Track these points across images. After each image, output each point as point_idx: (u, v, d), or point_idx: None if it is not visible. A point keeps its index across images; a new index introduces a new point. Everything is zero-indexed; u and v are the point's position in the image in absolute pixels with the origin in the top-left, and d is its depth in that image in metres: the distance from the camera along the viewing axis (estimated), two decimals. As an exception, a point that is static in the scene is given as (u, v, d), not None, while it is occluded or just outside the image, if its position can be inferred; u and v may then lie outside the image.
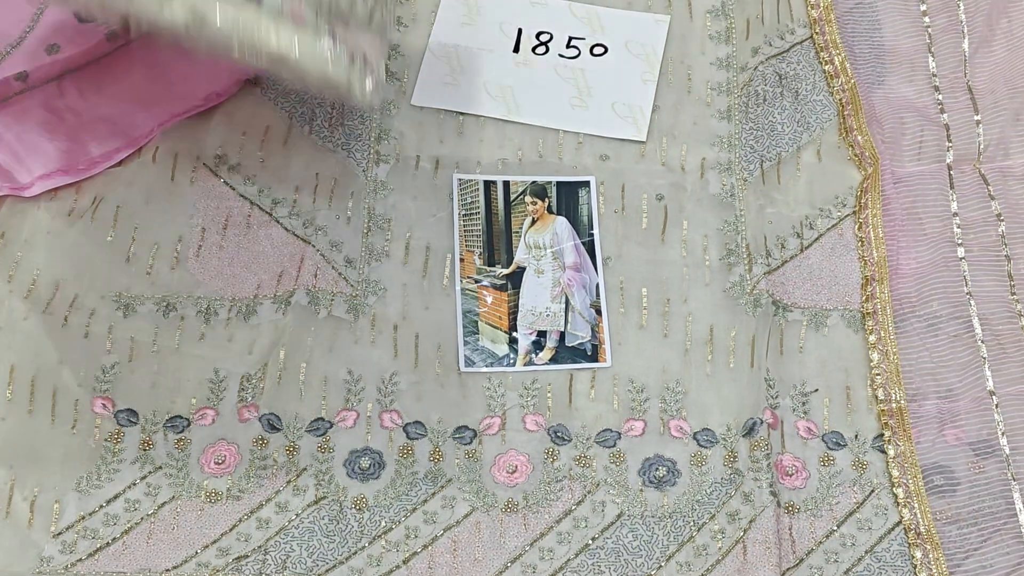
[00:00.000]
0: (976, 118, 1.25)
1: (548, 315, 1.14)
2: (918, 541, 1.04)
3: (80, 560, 1.02)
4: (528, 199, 1.21)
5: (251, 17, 1.04)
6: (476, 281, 1.16)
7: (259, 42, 1.05)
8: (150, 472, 1.07)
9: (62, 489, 1.06)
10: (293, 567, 1.02)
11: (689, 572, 1.03)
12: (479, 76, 1.29)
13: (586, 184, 1.21)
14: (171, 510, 1.05)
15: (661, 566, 1.03)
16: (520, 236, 1.19)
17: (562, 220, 1.19)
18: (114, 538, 1.03)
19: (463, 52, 1.31)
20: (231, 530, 1.04)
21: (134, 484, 1.06)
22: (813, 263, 1.19)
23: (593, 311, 1.15)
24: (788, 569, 1.03)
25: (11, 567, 1.02)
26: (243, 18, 1.04)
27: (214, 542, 1.04)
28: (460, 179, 1.22)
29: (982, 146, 1.24)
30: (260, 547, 1.03)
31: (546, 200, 1.21)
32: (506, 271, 1.17)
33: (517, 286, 1.16)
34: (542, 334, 1.14)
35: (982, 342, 1.14)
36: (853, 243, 1.19)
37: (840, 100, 1.27)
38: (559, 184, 1.21)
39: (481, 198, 1.21)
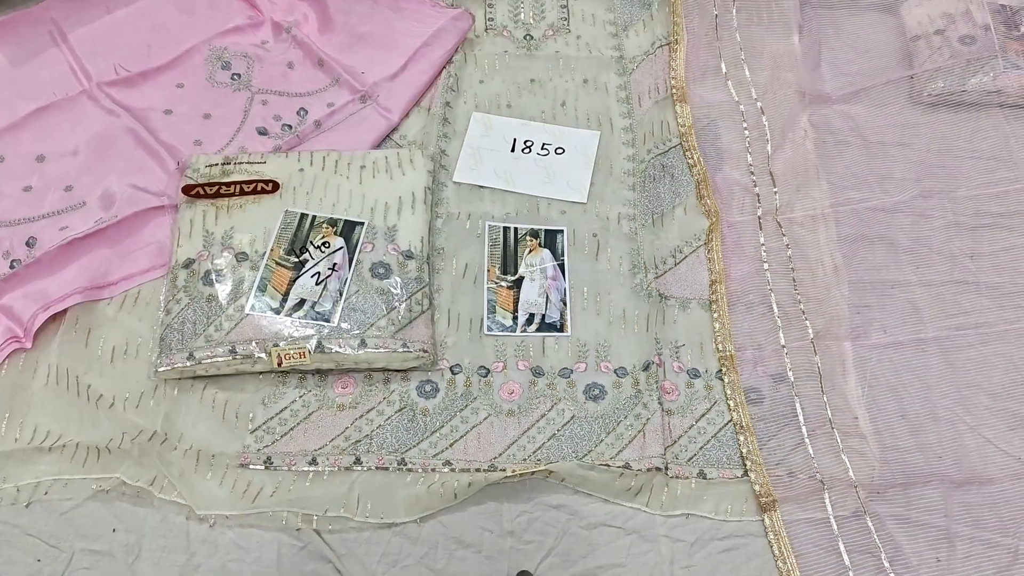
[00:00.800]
0: (775, 190, 1.24)
1: (536, 304, 1.13)
2: (741, 431, 1.04)
3: (266, 446, 1.02)
4: (528, 238, 1.19)
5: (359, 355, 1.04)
6: (496, 283, 1.15)
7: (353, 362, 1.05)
8: (304, 393, 1.06)
9: (254, 404, 1.05)
10: (387, 447, 1.02)
11: (612, 448, 1.02)
12: (492, 164, 1.27)
13: (561, 231, 1.20)
14: (317, 415, 1.04)
15: (597, 446, 1.03)
16: (522, 259, 1.17)
17: (546, 251, 1.18)
18: (284, 433, 1.03)
19: (483, 151, 1.29)
20: (351, 425, 1.04)
21: (295, 400, 1.05)
22: (682, 272, 1.17)
23: (562, 303, 1.14)
24: (668, 446, 1.03)
25: (226, 449, 1.01)
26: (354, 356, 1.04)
27: (341, 433, 1.03)
28: (490, 225, 1.20)
29: (778, 206, 1.23)
30: (367, 436, 1.03)
31: (538, 239, 1.19)
32: (513, 278, 1.15)
33: (519, 287, 1.14)
34: (532, 315, 1.12)
35: (777, 317, 1.14)
36: (704, 261, 1.18)
37: (697, 180, 1.26)
38: (545, 231, 1.20)
39: (501, 236, 1.19)
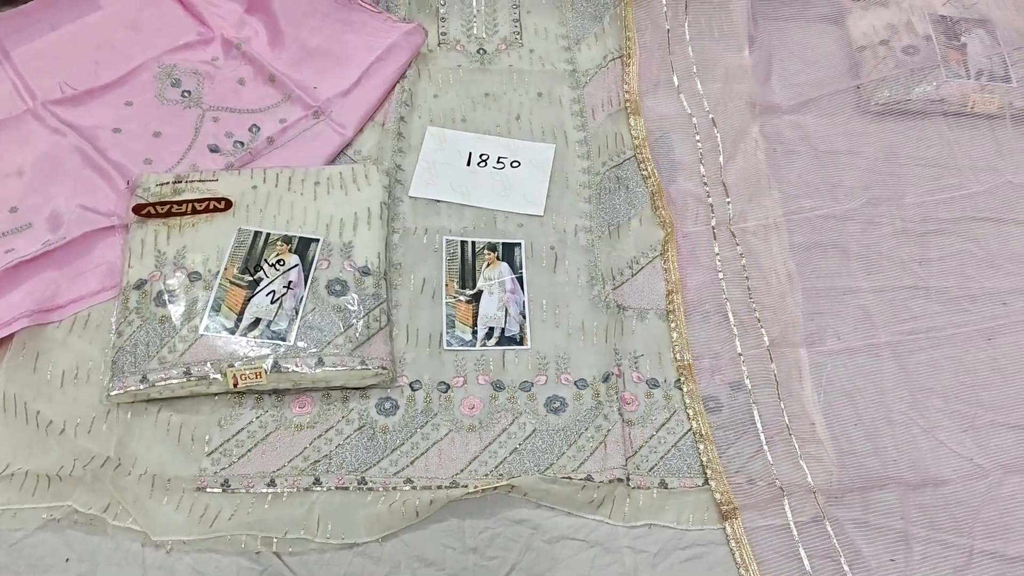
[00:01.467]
0: (727, 200, 1.26)
1: (495, 318, 1.13)
2: (701, 439, 1.05)
3: (223, 468, 1.00)
4: (486, 251, 1.19)
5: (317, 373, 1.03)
6: (455, 297, 1.14)
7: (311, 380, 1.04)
8: (261, 414, 1.04)
9: (209, 426, 1.03)
10: (346, 467, 1.01)
11: (574, 461, 1.02)
12: (447, 178, 1.27)
13: (519, 244, 1.20)
14: (275, 436, 1.03)
15: (559, 459, 1.03)
16: (480, 272, 1.17)
17: (504, 264, 1.18)
18: (241, 455, 1.01)
19: (439, 164, 1.29)
20: (309, 445, 1.02)
21: (251, 421, 1.04)
22: (639, 283, 1.18)
23: (521, 316, 1.14)
24: (629, 457, 1.03)
25: (182, 473, 0.99)
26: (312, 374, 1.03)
27: (299, 453, 1.02)
28: (447, 239, 1.20)
29: (731, 215, 1.24)
30: (327, 455, 1.02)
31: (496, 252, 1.19)
32: (472, 292, 1.15)
33: (478, 301, 1.14)
34: (491, 329, 1.12)
35: (733, 326, 1.15)
36: (661, 272, 1.19)
37: (651, 191, 1.27)
38: (503, 244, 1.20)
39: (458, 250, 1.19)
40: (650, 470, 1.02)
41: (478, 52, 1.44)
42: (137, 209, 1.12)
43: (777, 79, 1.41)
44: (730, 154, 1.30)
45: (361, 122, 1.31)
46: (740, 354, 1.12)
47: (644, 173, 1.28)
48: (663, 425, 1.06)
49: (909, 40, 1.40)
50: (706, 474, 1.02)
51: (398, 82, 1.37)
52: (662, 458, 1.03)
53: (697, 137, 1.33)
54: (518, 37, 1.46)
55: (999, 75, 1.36)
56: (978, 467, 1.03)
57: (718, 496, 1.00)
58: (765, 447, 1.04)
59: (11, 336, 1.06)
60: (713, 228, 1.23)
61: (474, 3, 1.48)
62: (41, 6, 1.36)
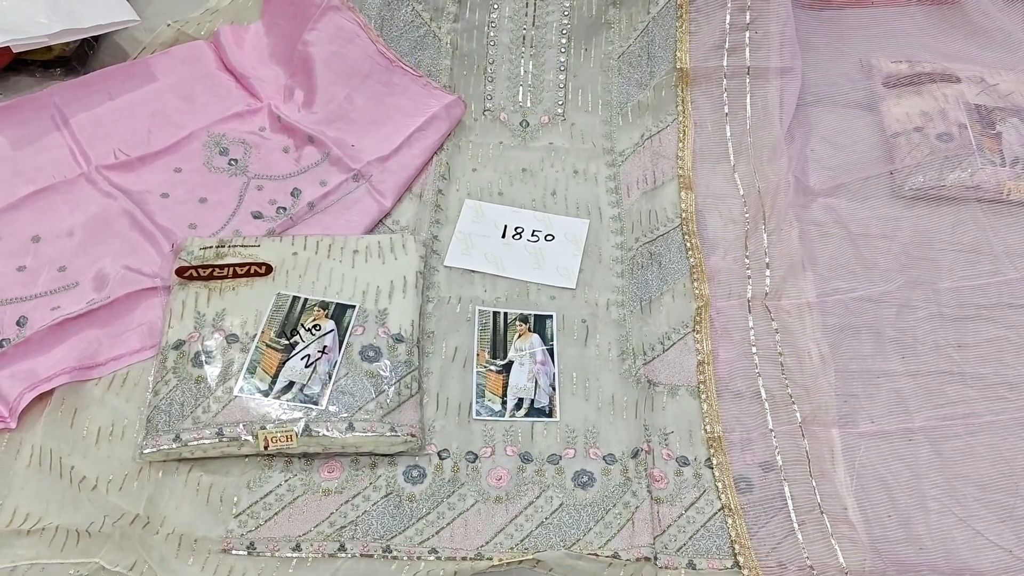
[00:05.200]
0: (766, 274, 1.26)
1: (525, 389, 1.13)
2: (730, 513, 1.03)
3: (250, 531, 1.00)
4: (518, 322, 1.20)
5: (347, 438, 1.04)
6: (486, 367, 1.15)
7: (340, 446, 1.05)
8: (290, 477, 1.05)
9: (239, 487, 1.04)
10: (372, 534, 1.01)
11: (601, 537, 1.01)
12: (482, 249, 1.30)
13: (550, 316, 1.22)
14: (302, 500, 1.03)
15: (585, 534, 1.02)
16: (512, 343, 1.18)
17: (536, 336, 1.19)
18: (268, 517, 1.02)
19: (474, 236, 1.32)
20: (336, 511, 1.03)
21: (280, 484, 1.04)
22: (671, 359, 1.18)
23: (551, 388, 1.14)
24: (657, 536, 1.02)
25: (209, 534, 1.00)
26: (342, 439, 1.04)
27: (326, 518, 1.02)
28: (480, 310, 1.22)
29: (767, 291, 1.24)
30: (352, 521, 1.02)
31: (527, 323, 1.20)
32: (503, 362, 1.16)
33: (509, 371, 1.15)
34: (521, 400, 1.13)
35: (765, 401, 1.14)
36: (692, 348, 1.19)
37: (692, 265, 1.28)
38: (535, 315, 1.22)
39: (491, 320, 1.21)
40: (678, 550, 1.00)
41: (521, 125, 1.47)
42: (180, 271, 1.15)
43: (810, 162, 1.42)
44: (771, 230, 1.30)
45: (400, 191, 1.34)
46: (771, 430, 1.10)
47: (688, 245, 1.29)
48: (692, 504, 1.04)
49: (943, 128, 1.41)
50: (735, 550, 1.00)
51: (436, 154, 1.41)
52: (691, 538, 1.02)
53: (746, 213, 1.33)
54: (562, 109, 1.49)
55: (1035, 163, 1.37)
56: (1018, 559, 1.00)
57: (747, 574, 0.98)
58: (796, 527, 1.02)
59: (51, 391, 1.09)
60: (749, 302, 1.23)
61: (522, 64, 1.52)
62: (101, 77, 1.43)
